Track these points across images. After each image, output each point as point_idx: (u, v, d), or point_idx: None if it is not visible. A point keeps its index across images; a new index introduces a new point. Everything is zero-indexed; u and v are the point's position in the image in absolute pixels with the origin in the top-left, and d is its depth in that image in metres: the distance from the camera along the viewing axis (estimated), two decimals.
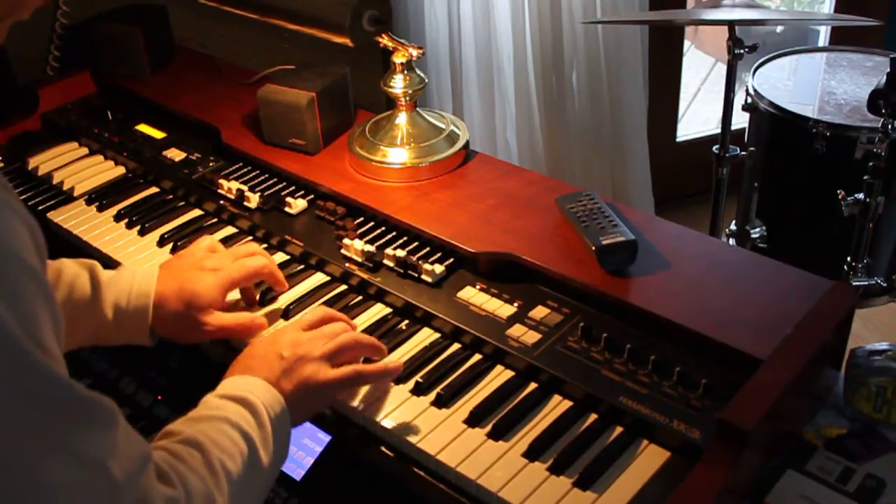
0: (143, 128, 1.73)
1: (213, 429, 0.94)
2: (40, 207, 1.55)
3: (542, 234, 1.31)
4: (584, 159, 2.86)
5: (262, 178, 1.54)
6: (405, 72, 1.49)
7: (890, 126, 1.95)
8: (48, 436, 0.72)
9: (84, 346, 1.23)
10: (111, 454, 0.76)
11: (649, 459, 1.02)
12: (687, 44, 4.01)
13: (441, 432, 1.06)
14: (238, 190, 1.48)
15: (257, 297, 1.29)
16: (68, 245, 1.49)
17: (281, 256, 1.39)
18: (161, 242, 1.43)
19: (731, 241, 2.48)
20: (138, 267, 1.24)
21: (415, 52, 1.47)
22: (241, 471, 0.93)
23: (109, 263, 1.42)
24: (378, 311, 1.27)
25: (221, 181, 1.50)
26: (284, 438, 1.02)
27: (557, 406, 1.09)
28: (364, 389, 1.12)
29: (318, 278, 1.34)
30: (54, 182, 1.62)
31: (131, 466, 0.78)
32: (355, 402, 1.11)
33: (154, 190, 1.58)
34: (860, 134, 2.08)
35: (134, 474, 0.78)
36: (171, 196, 1.55)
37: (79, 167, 1.65)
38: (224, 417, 0.96)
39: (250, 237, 1.43)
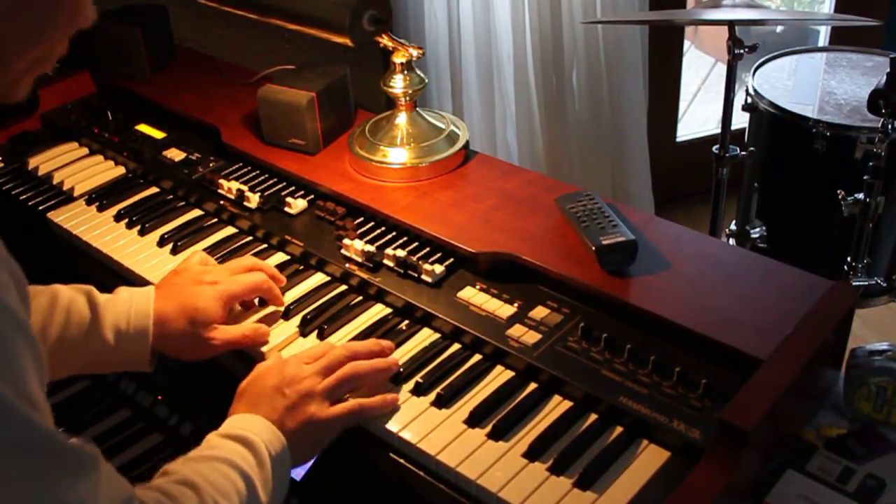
0: (143, 128, 1.72)
1: (211, 469, 0.95)
2: (40, 207, 1.55)
3: (542, 234, 1.31)
4: (584, 159, 2.86)
5: (262, 178, 1.54)
6: (405, 72, 1.49)
7: (890, 126, 1.95)
8: (31, 488, 0.72)
9: (81, 373, 1.19)
10: (92, 501, 0.76)
11: (649, 459, 1.02)
12: (687, 44, 4.01)
13: (441, 432, 1.06)
14: (238, 190, 1.48)
15: (256, 301, 1.28)
16: (68, 245, 1.49)
17: (281, 256, 1.39)
18: (161, 242, 1.43)
19: (731, 241, 2.48)
20: (135, 289, 1.21)
21: (415, 52, 1.47)
22: None
23: (110, 264, 1.42)
24: (378, 311, 1.27)
25: (221, 181, 1.50)
26: (284, 476, 1.02)
27: (557, 406, 1.09)
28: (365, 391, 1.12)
29: (319, 278, 1.34)
30: (54, 182, 1.61)
31: None
32: None
33: (154, 190, 1.58)
34: (860, 134, 2.08)
35: None
36: (171, 196, 1.55)
37: (79, 167, 1.65)
38: (223, 458, 0.96)
39: (250, 237, 1.43)
